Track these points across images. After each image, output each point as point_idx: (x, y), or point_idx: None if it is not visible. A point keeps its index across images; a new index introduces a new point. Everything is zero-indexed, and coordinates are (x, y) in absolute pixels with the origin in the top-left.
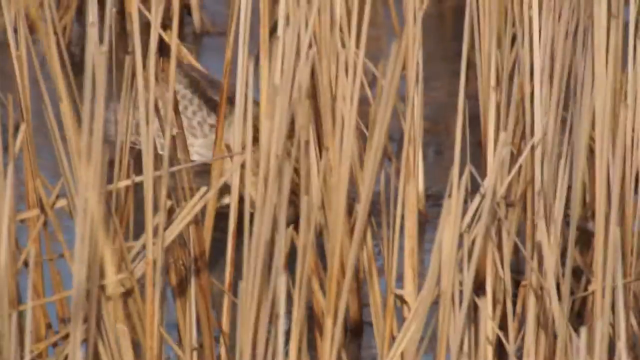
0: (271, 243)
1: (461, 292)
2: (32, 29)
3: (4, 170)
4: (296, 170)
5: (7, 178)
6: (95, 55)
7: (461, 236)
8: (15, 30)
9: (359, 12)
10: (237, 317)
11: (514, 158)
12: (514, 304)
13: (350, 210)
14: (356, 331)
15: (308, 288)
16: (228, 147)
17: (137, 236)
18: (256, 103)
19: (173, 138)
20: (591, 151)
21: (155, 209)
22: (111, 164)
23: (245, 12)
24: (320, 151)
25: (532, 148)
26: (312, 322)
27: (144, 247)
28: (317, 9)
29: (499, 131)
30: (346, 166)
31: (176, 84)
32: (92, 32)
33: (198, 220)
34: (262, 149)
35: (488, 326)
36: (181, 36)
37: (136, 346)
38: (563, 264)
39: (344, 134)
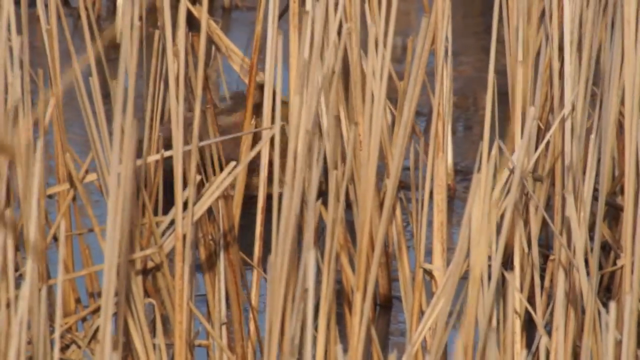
0: (300, 218)
1: (490, 266)
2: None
3: (33, 144)
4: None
5: (36, 152)
6: (128, 29)
7: (490, 211)
8: (46, 5)
9: None
10: (267, 291)
11: (542, 133)
12: (542, 278)
13: (378, 185)
14: (385, 306)
15: (337, 263)
16: (257, 122)
17: (166, 211)
18: None
19: (203, 112)
20: (620, 126)
21: (185, 183)
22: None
23: None
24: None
25: (561, 123)
26: (341, 296)
27: (173, 221)
28: None
29: (527, 106)
30: (376, 141)
31: None
32: (124, 6)
33: (227, 195)
34: (292, 124)
35: (516, 300)
36: (210, 10)
37: (165, 321)
38: (591, 238)
39: (373, 110)
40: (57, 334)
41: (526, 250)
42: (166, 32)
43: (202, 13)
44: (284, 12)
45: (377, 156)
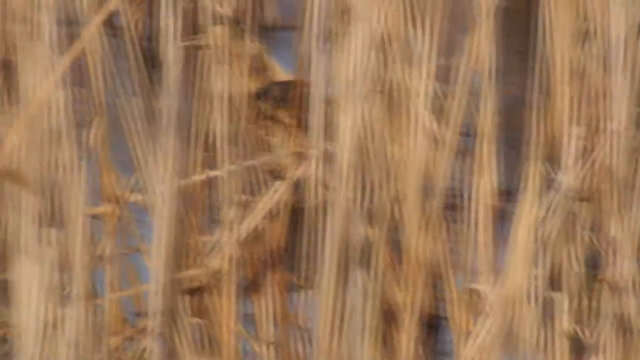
0: (346, 237)
1: (536, 286)
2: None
3: (78, 164)
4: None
5: (81, 172)
6: (171, 49)
7: (536, 231)
8: (89, 25)
9: (432, 5)
10: (314, 311)
11: (587, 152)
12: (590, 299)
13: (424, 205)
14: (432, 325)
15: (383, 282)
16: (304, 140)
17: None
18: None
19: (249, 129)
20: None
21: (231, 203)
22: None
23: (319, 5)
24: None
25: (607, 142)
26: (388, 316)
27: (219, 241)
28: (390, 1)
29: (573, 126)
30: (421, 160)
31: None
32: (167, 26)
33: (273, 215)
34: (337, 143)
35: (564, 321)
36: (253, 29)
37: (212, 341)
38: (639, 259)
39: (417, 129)
40: (104, 354)
41: (573, 270)
42: (210, 50)
43: (245, 32)
44: (328, 32)
45: (422, 175)
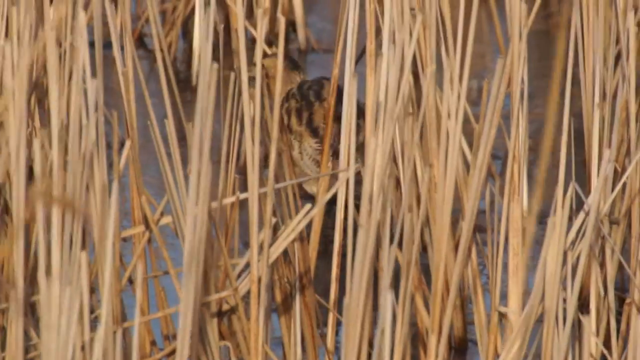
0: (376, 260)
1: (565, 309)
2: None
3: (108, 187)
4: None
5: (112, 195)
6: (206, 72)
7: (565, 254)
8: (122, 47)
9: (464, 29)
10: (342, 334)
11: (618, 175)
12: (618, 322)
13: (454, 227)
14: (460, 348)
15: (412, 305)
16: (334, 164)
17: (241, 253)
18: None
19: (279, 155)
20: None
21: (260, 225)
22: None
23: (352, 29)
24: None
25: (638, 164)
26: (416, 338)
27: (248, 264)
28: (422, 25)
29: (603, 148)
30: (451, 183)
31: None
32: (202, 50)
33: (303, 237)
34: (367, 165)
35: (592, 344)
36: (286, 53)
37: None
38: None
39: (449, 151)
40: None
41: (602, 293)
42: (242, 74)
43: (278, 56)
44: (361, 55)
45: (452, 198)
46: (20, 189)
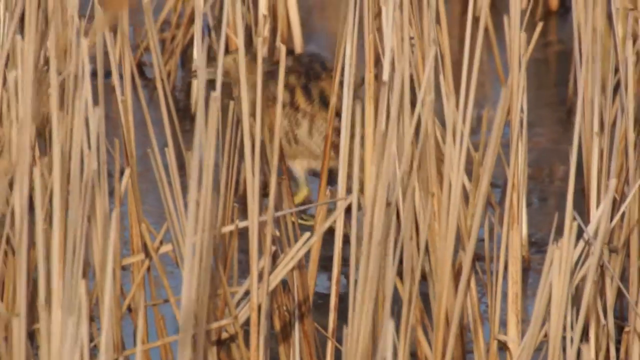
0: (377, 289)
1: (564, 337)
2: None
3: (108, 215)
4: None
5: (111, 223)
6: (202, 100)
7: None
8: (121, 76)
9: (469, 59)
10: None
11: (617, 204)
12: (617, 350)
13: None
14: None
15: (413, 334)
16: (332, 192)
17: (239, 281)
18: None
19: (279, 184)
20: None
21: (260, 253)
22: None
23: (350, 58)
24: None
25: (637, 194)
26: None
27: (248, 292)
28: (422, 54)
29: (602, 178)
30: (454, 212)
31: None
32: (201, 77)
33: (302, 266)
34: (367, 194)
35: None
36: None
37: None
38: None
39: (452, 180)
40: None
41: (602, 321)
42: (242, 103)
43: (279, 85)
44: (360, 83)
45: (455, 227)
46: (22, 218)
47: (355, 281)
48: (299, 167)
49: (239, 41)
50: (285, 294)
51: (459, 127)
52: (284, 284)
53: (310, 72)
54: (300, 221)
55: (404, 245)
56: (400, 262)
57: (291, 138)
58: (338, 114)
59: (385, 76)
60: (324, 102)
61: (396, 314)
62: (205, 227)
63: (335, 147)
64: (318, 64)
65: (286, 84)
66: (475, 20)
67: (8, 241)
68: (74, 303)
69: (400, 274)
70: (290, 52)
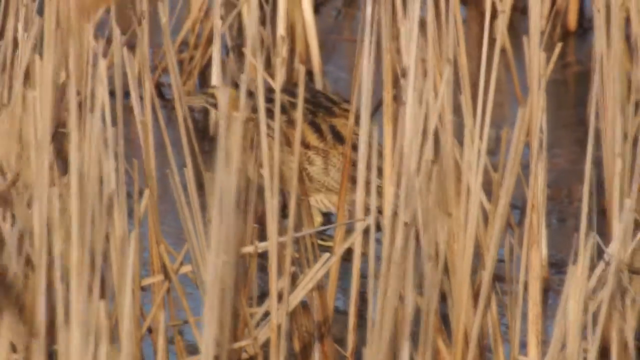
0: (396, 308)
1: (585, 359)
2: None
3: (128, 236)
4: None
5: (131, 244)
6: (225, 120)
7: (586, 303)
8: (140, 97)
9: (485, 79)
10: None
11: (638, 225)
12: None
13: (472, 276)
14: None
15: (432, 355)
16: (351, 213)
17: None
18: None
19: (299, 203)
20: None
21: (279, 274)
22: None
23: (367, 80)
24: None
25: None
26: None
27: (267, 312)
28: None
29: (624, 198)
30: (472, 233)
31: None
32: (223, 96)
33: (321, 286)
34: (386, 215)
35: None
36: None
37: None
38: None
39: (469, 201)
40: None
41: (627, 344)
42: (261, 123)
43: (298, 104)
44: (378, 105)
45: (472, 248)
46: (41, 238)
47: (374, 300)
48: (315, 202)
49: (257, 61)
50: (305, 315)
51: (475, 147)
52: (304, 304)
53: (319, 108)
54: (319, 242)
55: (423, 266)
56: (421, 282)
57: (304, 176)
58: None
59: (405, 96)
60: (338, 138)
61: (415, 334)
62: (226, 248)
63: (353, 178)
64: (323, 98)
65: (290, 120)
66: (493, 40)
67: (29, 262)
68: (93, 324)
69: (420, 294)
70: (287, 89)
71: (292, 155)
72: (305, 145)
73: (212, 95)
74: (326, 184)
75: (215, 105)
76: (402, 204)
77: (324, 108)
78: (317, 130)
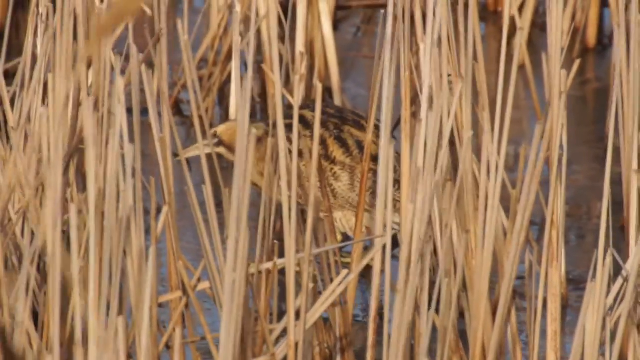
0: (413, 325)
1: None
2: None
3: (145, 252)
4: None
5: (149, 260)
6: (243, 137)
7: (604, 319)
8: (159, 113)
9: (503, 95)
10: None
11: None
12: None
13: (491, 293)
14: None
15: None
16: (369, 229)
17: (280, 317)
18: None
19: (320, 220)
20: None
21: (298, 290)
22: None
23: (387, 96)
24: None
25: None
26: None
27: (286, 329)
28: (460, 93)
29: None
30: (489, 249)
31: None
32: (242, 114)
33: (341, 302)
34: (404, 231)
35: None
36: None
37: None
38: None
39: (487, 217)
40: None
41: None
42: (279, 139)
43: (315, 122)
44: (397, 122)
45: (490, 264)
46: (56, 254)
47: (390, 319)
48: (335, 219)
49: (276, 77)
50: (326, 331)
51: (493, 163)
52: (325, 320)
53: (345, 124)
54: (341, 259)
55: (441, 282)
56: (438, 299)
57: (328, 191)
58: (375, 159)
59: (423, 113)
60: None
61: (433, 350)
62: (243, 264)
63: (373, 192)
64: (350, 114)
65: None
66: (512, 57)
67: (46, 278)
68: (111, 340)
69: (437, 310)
70: (309, 106)
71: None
72: (331, 160)
73: (214, 135)
74: (350, 200)
75: (220, 144)
76: (419, 220)
77: (351, 123)
78: (344, 145)
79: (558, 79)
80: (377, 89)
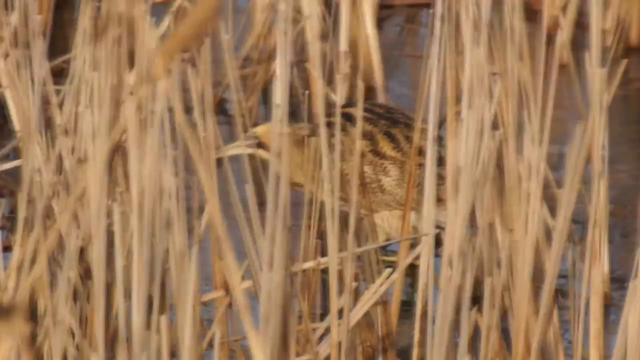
0: (455, 324)
1: None
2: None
3: (187, 251)
4: None
5: (191, 260)
6: (278, 135)
7: None
8: (202, 112)
9: (544, 93)
10: None
11: None
12: None
13: (535, 292)
14: None
15: None
16: (415, 228)
17: (323, 317)
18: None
19: (361, 218)
20: None
21: (341, 289)
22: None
23: (434, 96)
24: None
25: None
26: None
27: (329, 328)
28: (501, 90)
29: None
30: (531, 248)
31: None
32: (276, 113)
33: (385, 301)
34: (447, 229)
35: None
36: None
37: None
38: None
39: (529, 216)
40: None
41: None
42: (322, 138)
43: (357, 120)
44: (443, 121)
45: (532, 262)
46: (100, 252)
47: (433, 318)
48: (380, 220)
49: (318, 77)
50: (369, 330)
51: (534, 162)
52: (367, 319)
53: (396, 123)
54: (384, 257)
55: (484, 280)
56: (481, 297)
57: (376, 187)
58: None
59: (463, 112)
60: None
61: (476, 349)
62: (284, 262)
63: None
64: (400, 114)
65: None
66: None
67: (89, 275)
68: (154, 339)
69: (480, 309)
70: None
71: (363, 167)
72: (381, 155)
73: (254, 136)
74: (398, 197)
75: (259, 145)
76: (460, 218)
77: (401, 123)
78: (393, 140)
79: (599, 79)
80: (423, 88)
